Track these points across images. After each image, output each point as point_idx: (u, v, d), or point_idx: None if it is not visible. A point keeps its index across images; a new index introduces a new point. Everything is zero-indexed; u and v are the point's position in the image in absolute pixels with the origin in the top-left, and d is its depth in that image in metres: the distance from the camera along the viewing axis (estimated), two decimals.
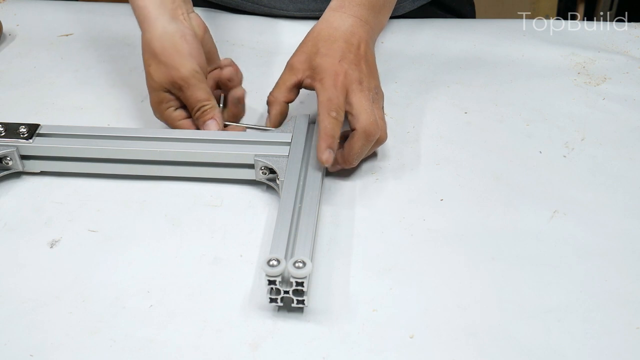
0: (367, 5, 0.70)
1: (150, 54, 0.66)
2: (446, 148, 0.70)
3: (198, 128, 0.68)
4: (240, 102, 0.71)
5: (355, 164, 0.64)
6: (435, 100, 0.77)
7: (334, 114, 0.61)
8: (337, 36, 0.66)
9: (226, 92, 0.72)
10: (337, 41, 0.66)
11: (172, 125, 0.68)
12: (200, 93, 0.66)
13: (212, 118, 0.67)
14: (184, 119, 0.68)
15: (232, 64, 0.72)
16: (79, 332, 0.52)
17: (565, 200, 0.63)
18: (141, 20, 0.68)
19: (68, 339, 0.51)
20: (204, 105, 0.67)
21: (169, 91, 0.67)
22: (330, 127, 0.61)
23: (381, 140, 0.64)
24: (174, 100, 0.67)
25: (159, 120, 0.72)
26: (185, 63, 0.65)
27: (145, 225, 0.61)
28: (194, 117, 0.67)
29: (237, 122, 0.71)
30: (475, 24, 0.93)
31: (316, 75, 0.64)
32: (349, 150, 0.63)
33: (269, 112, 0.68)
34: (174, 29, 0.66)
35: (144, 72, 0.68)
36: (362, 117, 0.62)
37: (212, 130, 0.67)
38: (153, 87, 0.67)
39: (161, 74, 0.66)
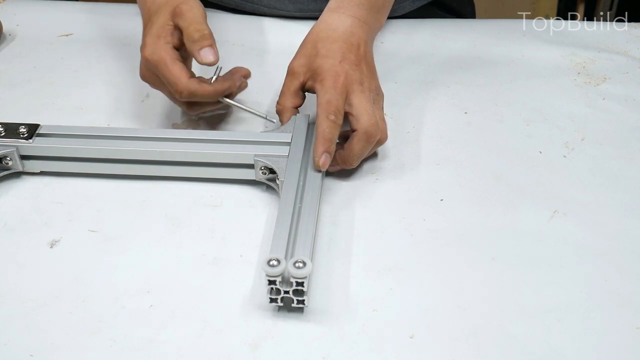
0: (365, 5, 0.69)
1: (164, 2, 0.66)
2: (446, 148, 0.70)
3: (189, 60, 0.67)
4: (246, 77, 0.72)
5: (355, 164, 0.64)
6: (435, 100, 0.77)
7: (332, 117, 0.61)
8: (336, 37, 0.66)
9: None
10: (336, 42, 0.66)
11: (164, 66, 0.64)
12: (203, 24, 0.65)
13: (210, 46, 0.64)
14: (179, 59, 0.65)
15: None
16: (79, 332, 0.52)
17: (565, 200, 0.63)
18: None
19: (68, 339, 0.51)
20: (204, 29, 0.65)
21: (169, 26, 0.65)
22: (328, 130, 0.61)
23: (382, 141, 0.64)
24: (172, 36, 0.65)
25: (157, 121, 0.72)
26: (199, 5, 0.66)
27: (145, 225, 0.61)
28: (192, 40, 0.64)
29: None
30: (475, 24, 0.94)
31: (317, 77, 0.64)
32: (349, 151, 0.63)
33: (280, 121, 0.68)
34: None
35: None
36: (363, 118, 0.62)
37: (208, 59, 0.64)
38: (152, 31, 0.65)
39: (168, 12, 0.65)
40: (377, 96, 0.66)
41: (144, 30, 0.68)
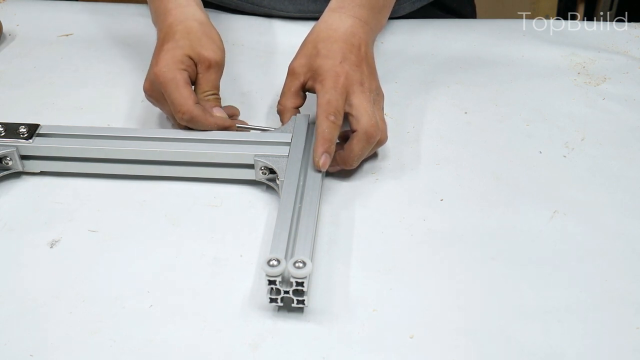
0: (366, 5, 0.69)
1: (186, 29, 0.67)
2: (446, 148, 0.70)
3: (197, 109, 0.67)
4: (232, 116, 0.71)
5: (355, 165, 0.64)
6: (435, 100, 0.77)
7: (332, 117, 0.61)
8: (336, 37, 0.66)
9: None
10: (337, 42, 0.66)
11: (174, 86, 0.64)
12: (218, 82, 0.68)
13: (219, 107, 0.68)
14: (190, 85, 0.66)
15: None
16: (79, 332, 0.52)
17: (565, 200, 0.63)
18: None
19: (68, 339, 0.51)
20: (217, 93, 0.68)
21: (191, 60, 0.66)
22: (328, 131, 0.61)
23: (382, 141, 0.64)
24: (190, 68, 0.66)
25: (157, 121, 0.72)
26: (218, 51, 0.68)
27: (145, 225, 0.61)
28: (205, 98, 0.67)
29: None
30: (475, 24, 0.94)
31: (317, 77, 0.64)
32: (349, 151, 0.63)
33: (281, 121, 0.68)
34: (207, 20, 0.70)
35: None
36: (363, 118, 0.62)
37: (218, 117, 0.66)
38: (174, 53, 0.66)
39: (193, 47, 0.66)
40: (377, 97, 0.66)
41: (158, 46, 0.68)
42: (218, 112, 0.67)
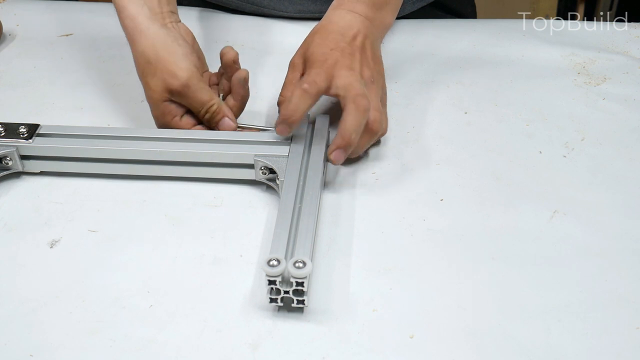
0: (367, 1, 0.70)
1: (145, 63, 0.66)
2: (446, 148, 0.70)
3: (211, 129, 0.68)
4: (246, 83, 0.69)
5: (355, 142, 0.62)
6: (435, 100, 0.77)
7: (305, 85, 0.61)
8: (332, 29, 0.68)
9: (229, 76, 0.69)
10: (332, 33, 0.68)
11: None
12: (203, 94, 0.66)
13: (223, 117, 0.67)
14: (192, 126, 0.68)
15: (232, 50, 0.70)
16: (79, 332, 0.52)
17: (565, 200, 0.63)
18: (131, 30, 0.68)
19: (68, 339, 0.51)
20: (211, 107, 0.66)
21: (170, 100, 0.66)
22: (295, 100, 0.61)
23: (376, 119, 0.64)
24: (177, 108, 0.67)
25: None
26: (181, 66, 0.65)
27: (145, 225, 0.61)
28: (204, 120, 0.67)
29: (244, 105, 0.70)
30: (475, 24, 0.94)
31: (309, 64, 0.66)
32: (343, 124, 0.61)
33: (280, 112, 0.68)
34: (165, 33, 0.67)
35: None
36: (352, 88, 0.62)
37: (230, 129, 0.67)
38: (153, 99, 0.66)
39: (160, 84, 0.65)
40: (372, 84, 0.65)
41: (143, 84, 0.67)
42: (225, 125, 0.67)
